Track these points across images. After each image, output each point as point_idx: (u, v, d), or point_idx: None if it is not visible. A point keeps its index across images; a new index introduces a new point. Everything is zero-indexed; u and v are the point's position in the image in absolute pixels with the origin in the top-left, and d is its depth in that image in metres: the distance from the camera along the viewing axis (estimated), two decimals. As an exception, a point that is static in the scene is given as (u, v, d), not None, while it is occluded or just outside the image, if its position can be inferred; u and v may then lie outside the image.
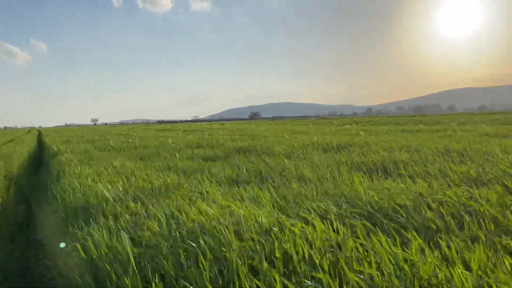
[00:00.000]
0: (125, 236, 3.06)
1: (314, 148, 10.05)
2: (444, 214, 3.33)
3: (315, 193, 4.40)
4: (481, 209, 3.36)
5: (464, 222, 3.15)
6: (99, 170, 7.25)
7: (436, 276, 2.20)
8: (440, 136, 12.54)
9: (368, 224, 3.20)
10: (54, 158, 11.42)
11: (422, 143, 9.38)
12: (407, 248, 2.62)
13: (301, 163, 6.92)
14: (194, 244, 2.78)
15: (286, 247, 2.55)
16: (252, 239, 2.76)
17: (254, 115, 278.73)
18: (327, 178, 5.39)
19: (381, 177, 5.51)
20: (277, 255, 2.48)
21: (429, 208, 3.58)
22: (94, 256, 2.98)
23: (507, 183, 4.42)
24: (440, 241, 2.72)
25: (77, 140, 20.31)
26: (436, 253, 2.55)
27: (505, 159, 6.10)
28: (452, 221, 3.15)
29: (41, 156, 17.38)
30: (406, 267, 2.25)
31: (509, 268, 2.32)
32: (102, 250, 3.01)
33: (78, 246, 3.16)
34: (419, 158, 6.90)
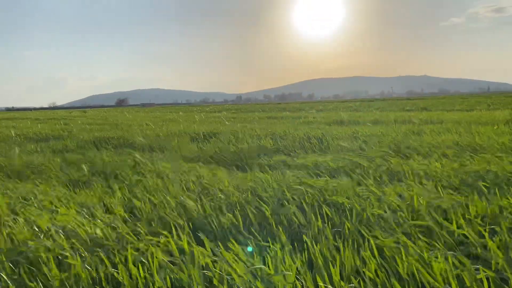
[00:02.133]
0: None
1: (181, 137, 9.53)
2: (305, 207, 3.17)
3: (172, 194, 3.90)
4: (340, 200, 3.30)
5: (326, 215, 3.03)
6: None
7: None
8: (302, 123, 13.20)
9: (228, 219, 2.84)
10: None
11: (286, 130, 9.63)
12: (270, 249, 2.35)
13: (163, 156, 6.33)
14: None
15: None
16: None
17: (121, 102, 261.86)
18: (188, 174, 4.93)
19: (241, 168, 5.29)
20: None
21: (293, 199, 3.41)
22: None
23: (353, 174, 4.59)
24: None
25: None
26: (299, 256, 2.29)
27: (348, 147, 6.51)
28: (318, 215, 2.99)
29: None
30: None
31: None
32: None
33: None
34: (283, 146, 6.96)
